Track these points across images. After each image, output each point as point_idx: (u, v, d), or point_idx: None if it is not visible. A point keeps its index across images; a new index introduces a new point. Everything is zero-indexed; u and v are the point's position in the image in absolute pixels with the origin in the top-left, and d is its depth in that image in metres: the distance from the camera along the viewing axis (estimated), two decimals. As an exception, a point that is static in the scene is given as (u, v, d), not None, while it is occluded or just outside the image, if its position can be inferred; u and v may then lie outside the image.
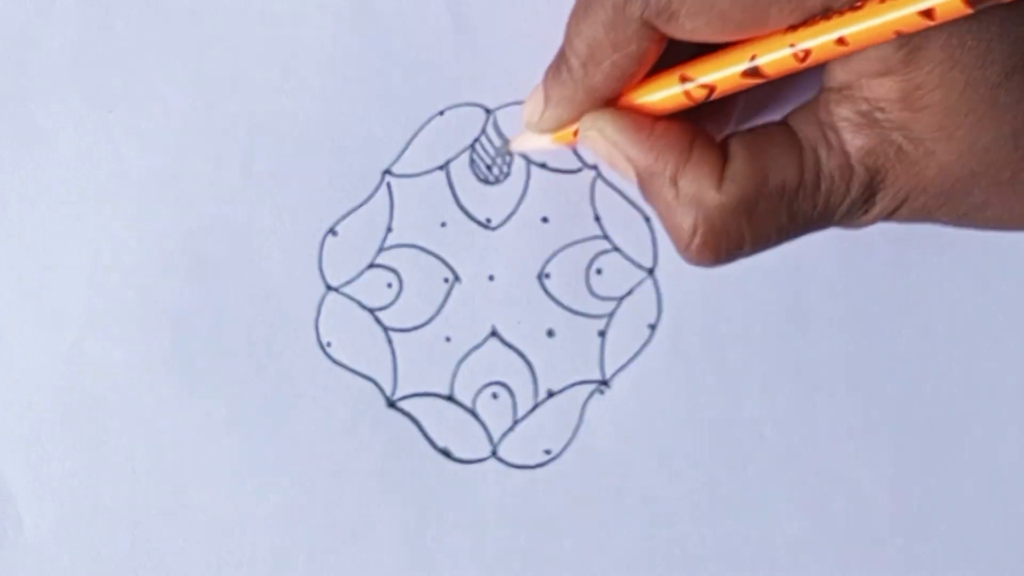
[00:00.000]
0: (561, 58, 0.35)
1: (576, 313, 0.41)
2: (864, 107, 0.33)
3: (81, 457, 0.41)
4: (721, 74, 0.34)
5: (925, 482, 0.42)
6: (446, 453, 0.41)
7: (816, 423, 0.42)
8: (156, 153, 0.41)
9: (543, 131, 0.37)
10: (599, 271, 0.41)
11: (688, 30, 0.33)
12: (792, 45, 0.32)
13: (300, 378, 0.41)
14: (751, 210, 0.34)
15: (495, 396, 0.41)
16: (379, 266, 0.41)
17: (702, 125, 0.36)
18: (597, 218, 0.41)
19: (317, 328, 0.41)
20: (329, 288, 0.41)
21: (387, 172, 0.41)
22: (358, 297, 0.41)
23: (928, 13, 0.30)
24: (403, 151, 0.41)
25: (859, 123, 0.33)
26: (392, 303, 0.41)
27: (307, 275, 0.41)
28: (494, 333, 0.41)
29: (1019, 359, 0.42)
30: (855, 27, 0.31)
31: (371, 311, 0.41)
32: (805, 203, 0.34)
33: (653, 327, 0.41)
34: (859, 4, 0.31)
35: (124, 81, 0.41)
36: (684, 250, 0.35)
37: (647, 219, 0.41)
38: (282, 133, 0.41)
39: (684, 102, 0.35)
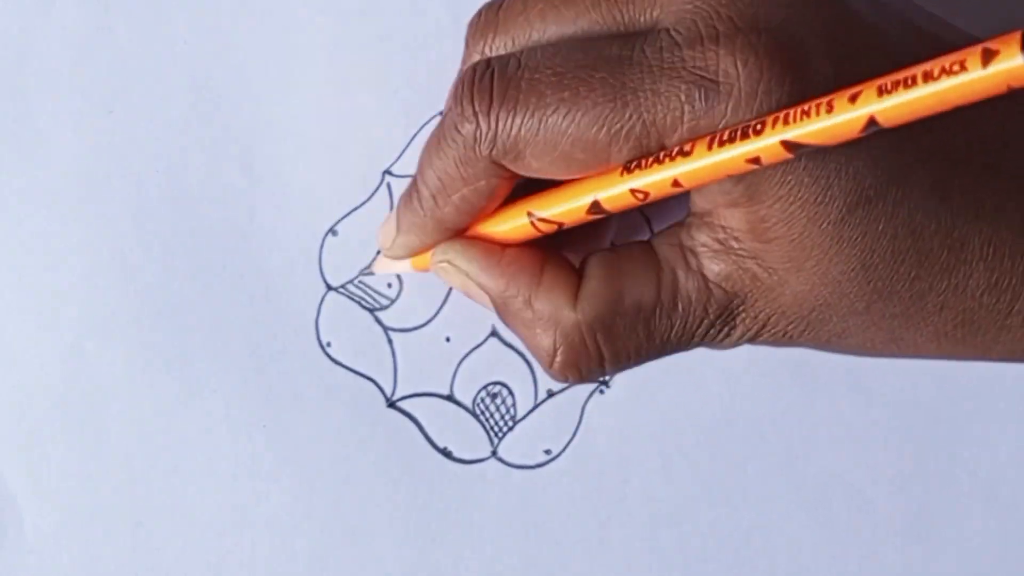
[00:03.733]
0: (413, 188, 0.36)
1: (576, 313, 0.41)
2: (721, 235, 0.34)
3: (81, 457, 0.41)
4: (566, 210, 0.34)
5: (925, 482, 0.42)
6: (446, 453, 0.41)
7: (816, 423, 0.42)
8: (156, 153, 0.41)
9: (395, 257, 0.38)
10: (599, 271, 0.41)
11: (535, 169, 0.33)
12: (632, 191, 0.33)
13: (300, 378, 0.41)
14: (608, 328, 0.34)
15: (495, 396, 0.41)
16: (379, 266, 0.41)
17: (578, 245, 0.36)
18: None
19: (317, 328, 0.41)
20: (329, 288, 0.41)
21: (387, 172, 0.41)
22: (358, 297, 0.41)
23: (755, 160, 0.30)
24: (403, 151, 0.41)
25: (717, 249, 0.34)
26: (392, 303, 0.41)
27: (307, 275, 0.41)
28: (494, 333, 0.41)
29: (1019, 359, 0.42)
30: (686, 167, 0.31)
31: (371, 311, 0.41)
32: (662, 322, 0.35)
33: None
34: (688, 149, 0.31)
35: (124, 81, 0.41)
36: (547, 368, 0.35)
37: (647, 219, 0.41)
38: (282, 133, 0.41)
39: (535, 233, 0.35)
